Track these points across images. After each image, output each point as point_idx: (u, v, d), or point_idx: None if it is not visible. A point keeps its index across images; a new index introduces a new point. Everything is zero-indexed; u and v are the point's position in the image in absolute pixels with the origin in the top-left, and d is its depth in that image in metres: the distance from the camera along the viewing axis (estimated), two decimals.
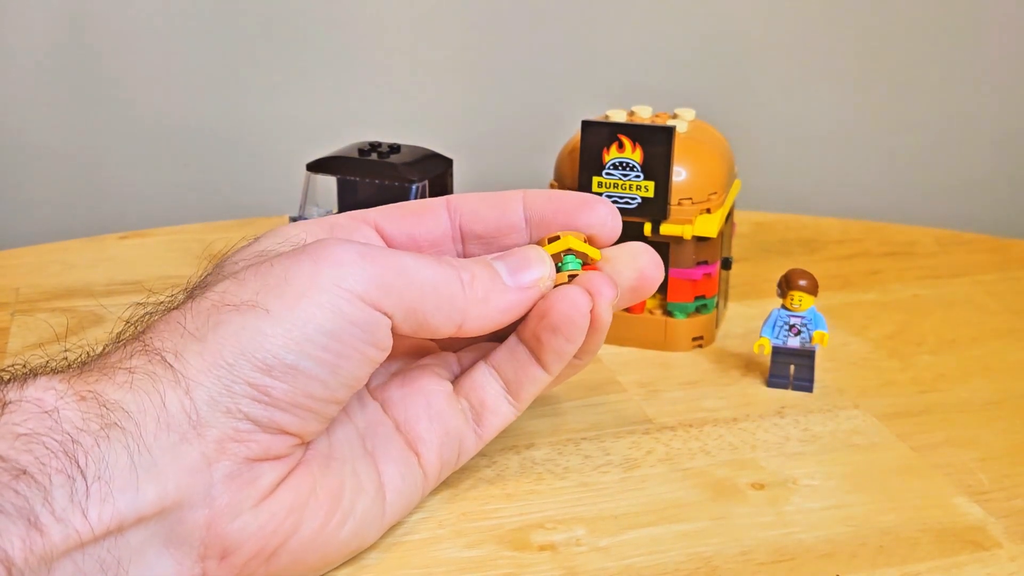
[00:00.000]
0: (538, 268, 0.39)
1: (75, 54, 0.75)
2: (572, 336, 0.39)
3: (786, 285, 0.49)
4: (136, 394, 0.31)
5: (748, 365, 0.53)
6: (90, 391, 0.31)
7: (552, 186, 0.56)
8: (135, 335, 0.34)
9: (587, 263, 0.40)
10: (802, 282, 0.49)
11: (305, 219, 0.45)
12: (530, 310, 0.39)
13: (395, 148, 0.56)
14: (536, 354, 0.39)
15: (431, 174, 0.55)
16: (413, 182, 0.53)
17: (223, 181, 0.80)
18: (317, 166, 0.56)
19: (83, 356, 0.34)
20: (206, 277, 0.36)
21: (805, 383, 0.50)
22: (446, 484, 0.42)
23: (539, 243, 0.40)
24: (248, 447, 0.32)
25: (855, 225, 0.74)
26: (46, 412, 0.30)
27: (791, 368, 0.50)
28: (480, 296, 0.37)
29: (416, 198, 0.53)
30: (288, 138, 0.79)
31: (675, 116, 0.55)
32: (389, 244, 0.39)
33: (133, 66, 0.76)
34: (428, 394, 0.40)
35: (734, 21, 0.82)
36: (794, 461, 0.45)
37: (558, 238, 0.40)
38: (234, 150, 0.79)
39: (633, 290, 0.40)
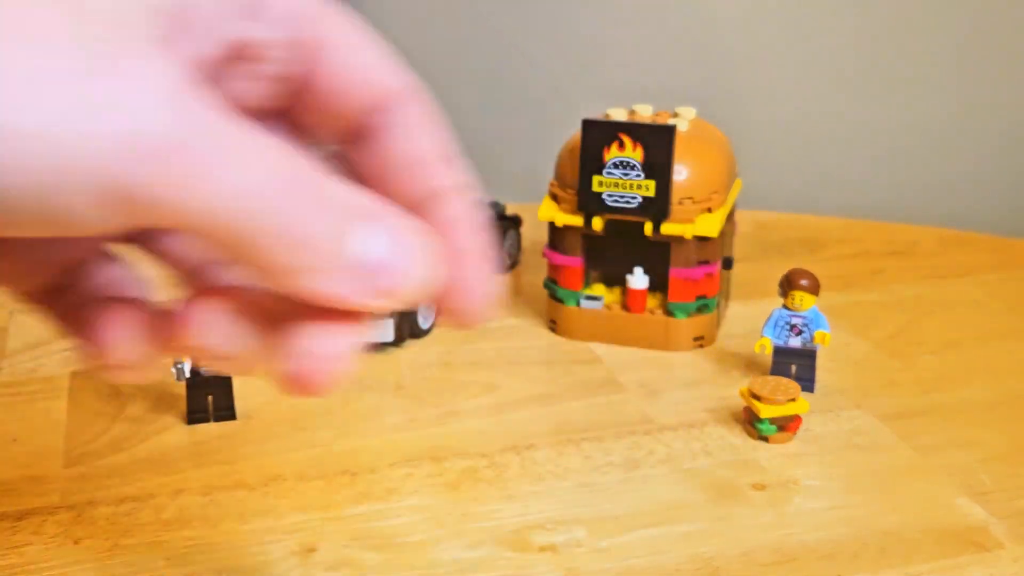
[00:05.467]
0: None
1: None
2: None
3: (787, 285, 0.49)
4: None
5: (749, 365, 0.53)
6: None
7: (552, 186, 0.55)
8: None
9: None
10: (803, 282, 0.49)
11: None
12: None
13: None
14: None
15: None
16: None
17: None
18: None
19: None
20: None
21: (806, 383, 0.50)
22: (446, 484, 0.42)
23: None
24: None
25: (857, 225, 0.74)
26: None
27: (792, 368, 0.50)
28: None
29: None
30: None
31: (676, 115, 0.55)
32: None
33: None
34: None
35: (735, 20, 0.81)
36: (795, 462, 0.45)
37: None
38: None
39: None
